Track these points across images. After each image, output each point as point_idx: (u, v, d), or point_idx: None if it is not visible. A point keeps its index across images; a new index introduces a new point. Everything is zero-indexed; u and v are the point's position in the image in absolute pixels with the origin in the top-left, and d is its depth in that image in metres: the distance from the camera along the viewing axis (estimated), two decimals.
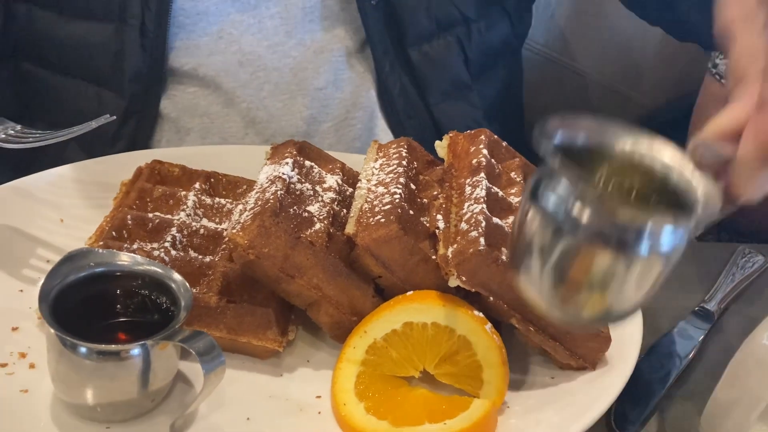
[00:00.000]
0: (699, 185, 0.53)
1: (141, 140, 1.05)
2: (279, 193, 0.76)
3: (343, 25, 1.06)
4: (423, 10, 1.06)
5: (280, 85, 1.05)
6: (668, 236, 0.50)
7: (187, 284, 0.69)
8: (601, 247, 0.50)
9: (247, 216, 0.74)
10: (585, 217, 0.50)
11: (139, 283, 0.70)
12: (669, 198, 0.54)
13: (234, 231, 0.72)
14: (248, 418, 0.70)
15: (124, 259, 0.71)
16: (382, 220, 0.74)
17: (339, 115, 1.08)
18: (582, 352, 0.77)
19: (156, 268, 0.70)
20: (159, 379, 0.68)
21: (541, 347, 0.77)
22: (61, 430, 0.66)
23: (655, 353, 0.86)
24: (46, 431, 0.66)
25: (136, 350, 0.65)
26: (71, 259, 0.70)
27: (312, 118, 1.07)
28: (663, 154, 0.55)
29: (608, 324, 0.60)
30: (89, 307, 0.69)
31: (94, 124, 0.83)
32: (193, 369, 0.73)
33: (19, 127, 0.84)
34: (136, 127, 1.05)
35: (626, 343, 0.79)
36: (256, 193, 0.78)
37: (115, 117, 0.85)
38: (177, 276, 0.70)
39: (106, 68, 1.03)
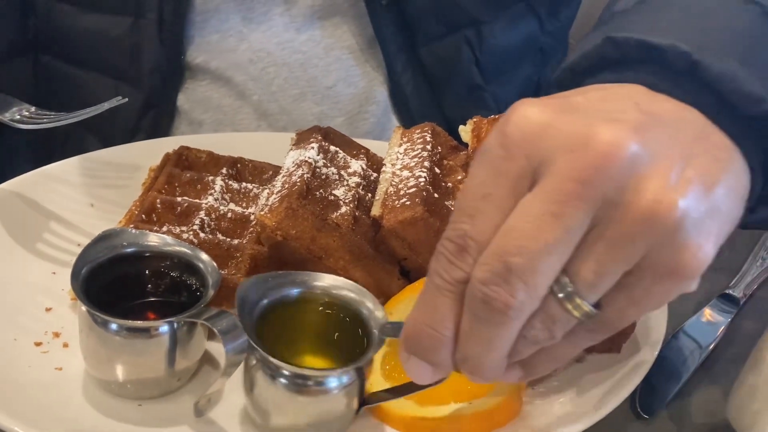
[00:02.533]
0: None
1: (160, 133, 1.06)
2: (305, 176, 0.76)
3: (354, 21, 1.06)
4: (431, 11, 1.05)
5: (290, 80, 1.06)
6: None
7: (215, 264, 0.70)
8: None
9: (274, 198, 0.75)
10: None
11: (169, 263, 0.71)
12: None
13: (262, 213, 0.74)
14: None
15: (154, 239, 0.72)
16: (408, 202, 0.75)
17: (351, 110, 1.09)
18: None
19: (185, 249, 0.72)
20: (186, 359, 0.69)
21: None
22: (93, 406, 0.68)
23: (680, 338, 0.86)
24: (80, 407, 0.68)
25: (164, 327, 0.66)
26: (103, 239, 0.71)
27: (323, 114, 1.08)
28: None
29: None
30: (120, 287, 0.70)
31: (106, 105, 0.84)
32: (222, 351, 0.74)
33: (33, 109, 0.86)
34: (155, 121, 1.06)
35: (652, 327, 0.79)
36: (283, 176, 0.79)
37: (126, 99, 0.86)
38: (205, 256, 0.71)
39: (124, 62, 1.05)
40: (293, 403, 0.64)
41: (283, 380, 0.63)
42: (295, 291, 0.69)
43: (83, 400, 0.68)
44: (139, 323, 0.66)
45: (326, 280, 0.70)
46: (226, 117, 1.08)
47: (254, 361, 0.65)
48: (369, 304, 0.68)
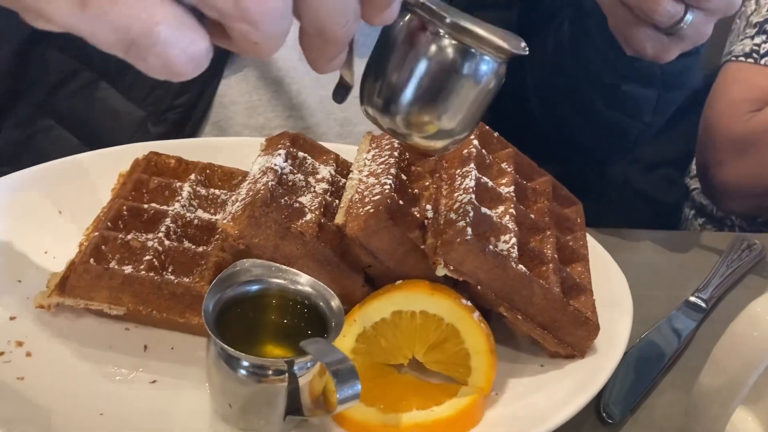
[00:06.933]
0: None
1: (199, 107, 1.05)
2: (270, 183, 0.76)
3: None
4: None
5: (321, 78, 1.06)
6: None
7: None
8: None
9: (237, 206, 0.75)
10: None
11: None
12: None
13: (225, 221, 0.74)
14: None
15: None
16: (371, 210, 0.75)
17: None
18: (570, 340, 0.77)
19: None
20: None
21: (529, 335, 0.78)
22: (54, 417, 0.68)
23: (646, 342, 0.87)
24: (40, 417, 0.67)
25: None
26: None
27: (347, 120, 1.08)
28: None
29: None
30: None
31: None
32: None
33: None
34: (200, 90, 1.05)
35: (615, 332, 0.80)
36: (248, 183, 0.79)
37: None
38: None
39: None
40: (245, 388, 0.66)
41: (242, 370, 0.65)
42: (254, 287, 0.71)
43: (45, 411, 0.68)
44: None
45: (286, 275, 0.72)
46: (261, 103, 1.07)
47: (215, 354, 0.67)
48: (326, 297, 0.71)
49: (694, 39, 0.88)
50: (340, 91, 0.62)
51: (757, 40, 1.29)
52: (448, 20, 0.57)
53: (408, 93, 0.60)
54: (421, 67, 0.59)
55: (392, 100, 0.60)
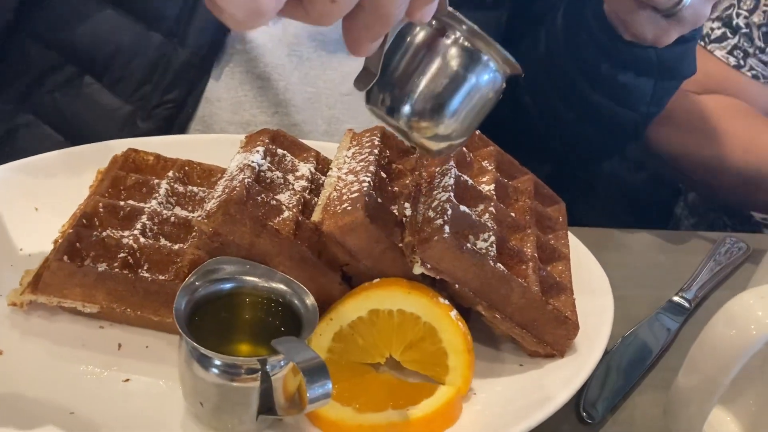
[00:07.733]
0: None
1: (189, 101, 1.04)
2: (246, 181, 0.76)
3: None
4: None
5: (308, 75, 1.06)
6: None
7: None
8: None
9: (213, 204, 0.74)
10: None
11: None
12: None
13: (199, 219, 0.73)
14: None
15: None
16: (349, 208, 0.74)
17: (364, 120, 1.08)
18: (550, 339, 0.77)
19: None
20: None
21: (508, 334, 0.77)
22: (25, 415, 0.66)
23: (629, 342, 0.86)
24: (11, 416, 0.66)
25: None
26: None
27: (334, 118, 1.07)
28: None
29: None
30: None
31: None
32: None
33: None
34: (191, 82, 1.04)
35: (596, 331, 0.79)
36: (225, 181, 0.78)
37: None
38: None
39: (172, 12, 1.01)
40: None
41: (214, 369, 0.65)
42: (228, 285, 0.70)
43: (15, 409, 0.67)
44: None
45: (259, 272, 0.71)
46: (246, 99, 1.06)
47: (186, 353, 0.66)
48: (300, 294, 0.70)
49: (693, 21, 0.88)
50: (364, 79, 0.63)
51: (714, 24, 1.31)
52: (465, 26, 0.61)
53: (418, 94, 0.62)
54: (434, 68, 0.62)
55: (403, 99, 0.62)
